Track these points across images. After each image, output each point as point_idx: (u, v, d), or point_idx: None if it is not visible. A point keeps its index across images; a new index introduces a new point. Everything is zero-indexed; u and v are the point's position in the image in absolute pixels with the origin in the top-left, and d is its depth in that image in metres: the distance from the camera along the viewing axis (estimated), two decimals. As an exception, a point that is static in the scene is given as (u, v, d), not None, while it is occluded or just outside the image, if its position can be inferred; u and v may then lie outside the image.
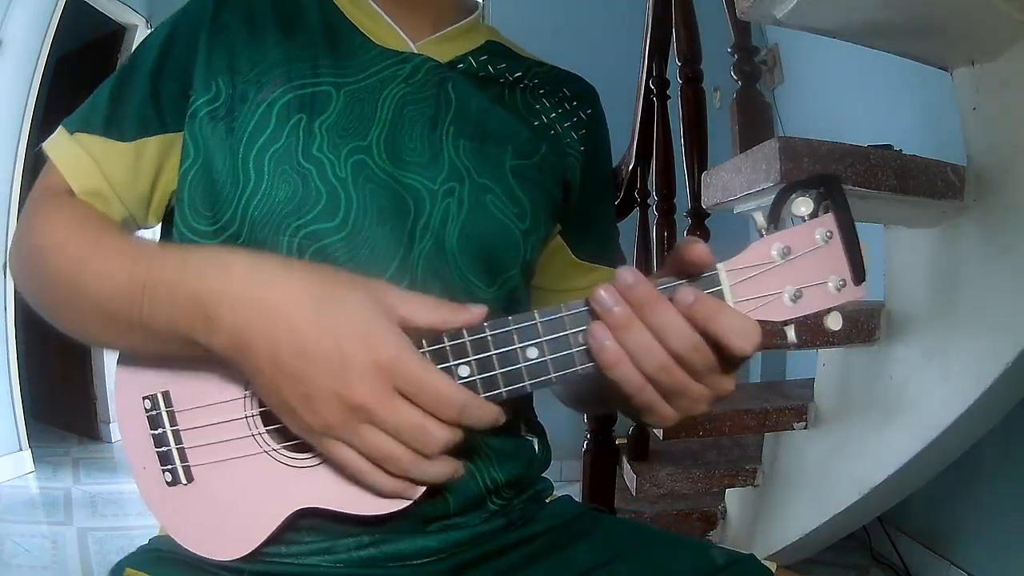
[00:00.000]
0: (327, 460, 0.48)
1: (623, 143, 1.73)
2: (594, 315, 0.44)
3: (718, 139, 1.39)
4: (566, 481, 2.20)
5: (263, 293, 0.44)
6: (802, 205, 0.44)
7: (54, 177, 0.58)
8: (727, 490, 1.53)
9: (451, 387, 0.44)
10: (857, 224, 0.45)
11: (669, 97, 1.58)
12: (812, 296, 0.45)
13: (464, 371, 0.46)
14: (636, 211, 1.72)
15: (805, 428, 1.32)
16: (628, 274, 0.43)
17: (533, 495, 0.66)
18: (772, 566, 0.57)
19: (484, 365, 0.46)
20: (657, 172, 1.55)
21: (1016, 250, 0.94)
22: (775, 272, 0.44)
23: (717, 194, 1.11)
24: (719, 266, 0.44)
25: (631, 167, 1.69)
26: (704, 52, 1.42)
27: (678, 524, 1.51)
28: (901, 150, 1.04)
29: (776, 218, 0.45)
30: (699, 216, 1.37)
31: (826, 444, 1.29)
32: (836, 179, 0.45)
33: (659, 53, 1.60)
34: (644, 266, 1.66)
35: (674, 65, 1.47)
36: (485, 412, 0.45)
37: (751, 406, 1.29)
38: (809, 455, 1.33)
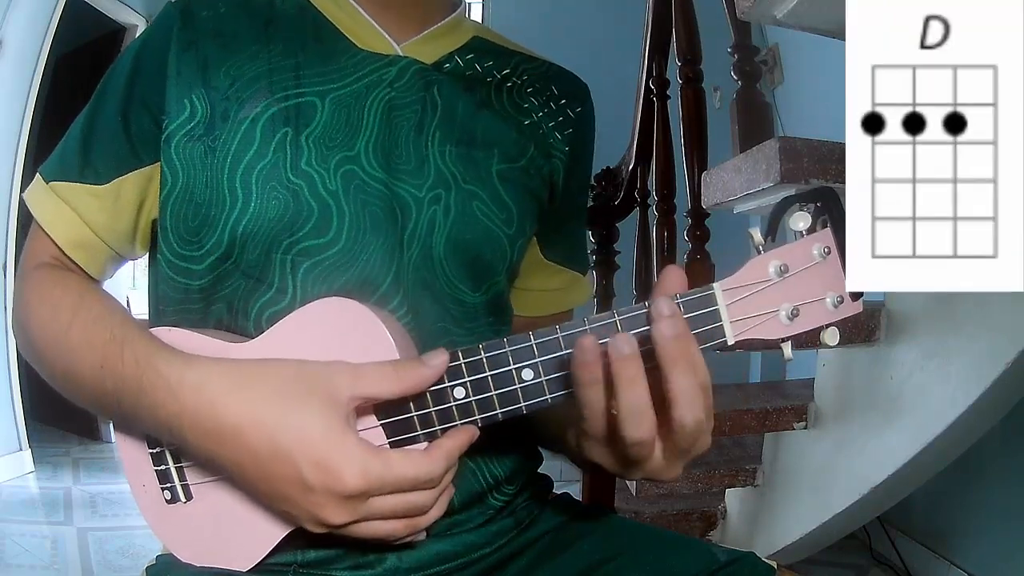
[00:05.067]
0: None
1: (623, 143, 1.73)
2: (587, 336, 0.43)
3: (718, 139, 1.39)
4: (566, 481, 2.18)
5: (217, 421, 0.45)
6: (800, 220, 0.44)
7: (38, 243, 0.59)
8: (727, 490, 1.53)
9: (423, 466, 0.45)
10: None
11: (669, 97, 1.58)
12: (809, 313, 0.44)
13: (460, 392, 0.46)
14: (636, 211, 1.72)
15: (805, 428, 1.32)
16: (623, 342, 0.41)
17: (535, 492, 0.66)
18: (773, 565, 0.57)
19: (479, 387, 0.46)
20: (657, 172, 1.55)
21: (1016, 250, 0.94)
22: (772, 290, 0.43)
23: (717, 194, 1.11)
24: (715, 286, 0.44)
25: (631, 167, 1.69)
26: (704, 52, 1.42)
27: (678, 524, 1.51)
28: (901, 150, 1.04)
29: (773, 231, 0.44)
30: (699, 216, 1.37)
31: (826, 444, 1.29)
32: (834, 193, 0.44)
33: (659, 53, 1.60)
34: (644, 266, 1.66)
35: (674, 65, 1.47)
36: (462, 443, 0.46)
37: (751, 406, 1.29)
38: (809, 455, 1.33)
